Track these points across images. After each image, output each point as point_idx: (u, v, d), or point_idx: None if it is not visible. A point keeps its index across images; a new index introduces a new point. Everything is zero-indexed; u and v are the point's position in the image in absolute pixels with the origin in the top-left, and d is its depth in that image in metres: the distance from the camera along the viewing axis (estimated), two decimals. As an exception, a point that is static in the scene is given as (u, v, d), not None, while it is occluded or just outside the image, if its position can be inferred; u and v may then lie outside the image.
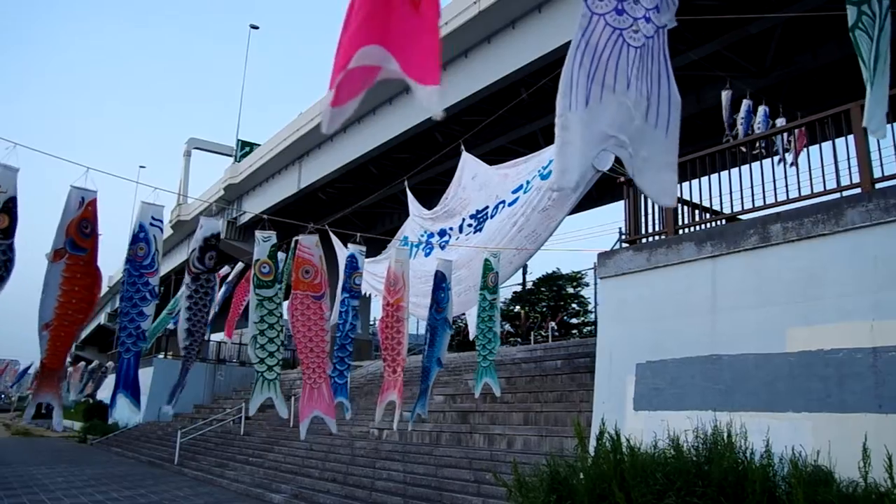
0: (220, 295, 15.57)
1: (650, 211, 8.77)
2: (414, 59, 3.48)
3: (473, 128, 17.57)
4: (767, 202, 7.34)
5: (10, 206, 5.34)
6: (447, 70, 19.46)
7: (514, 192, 11.07)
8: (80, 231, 5.75)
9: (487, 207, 11.74)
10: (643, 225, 8.77)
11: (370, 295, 14.31)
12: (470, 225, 12.10)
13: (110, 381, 34.05)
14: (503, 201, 11.31)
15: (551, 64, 15.57)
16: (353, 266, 8.19)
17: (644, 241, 8.56)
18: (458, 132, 19.29)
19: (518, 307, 32.11)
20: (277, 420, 19.51)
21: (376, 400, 8.77)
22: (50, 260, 5.68)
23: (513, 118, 19.88)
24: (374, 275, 12.98)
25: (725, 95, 13.48)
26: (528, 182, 10.78)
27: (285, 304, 7.51)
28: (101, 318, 60.35)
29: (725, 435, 5.46)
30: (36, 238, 5.78)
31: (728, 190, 7.86)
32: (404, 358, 8.63)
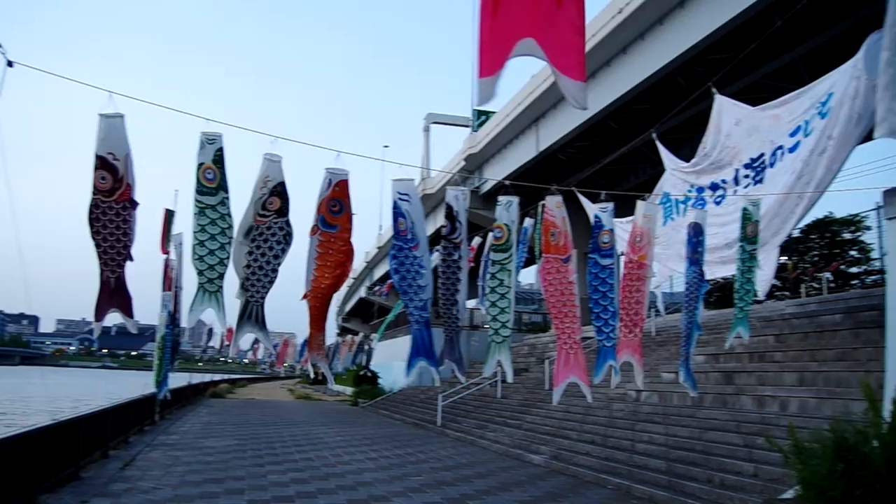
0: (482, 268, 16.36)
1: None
2: (560, 53, 3.74)
3: (719, 67, 16.05)
4: None
5: (280, 190, 6.21)
6: (684, 7, 18.07)
7: (793, 135, 9.91)
8: (329, 209, 6.40)
9: (763, 155, 10.61)
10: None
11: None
12: (747, 176, 11.01)
13: (380, 350, 37.44)
14: (781, 147, 10.18)
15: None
16: (599, 226, 8.03)
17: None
18: (703, 74, 17.83)
19: (784, 258, 29.14)
20: (533, 384, 20.09)
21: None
22: (309, 235, 6.43)
23: (763, 50, 17.78)
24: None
25: None
26: (806, 122, 9.62)
27: (533, 268, 7.62)
28: (362, 292, 66.56)
29: None
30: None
31: None
32: (643, 317, 8.28)
